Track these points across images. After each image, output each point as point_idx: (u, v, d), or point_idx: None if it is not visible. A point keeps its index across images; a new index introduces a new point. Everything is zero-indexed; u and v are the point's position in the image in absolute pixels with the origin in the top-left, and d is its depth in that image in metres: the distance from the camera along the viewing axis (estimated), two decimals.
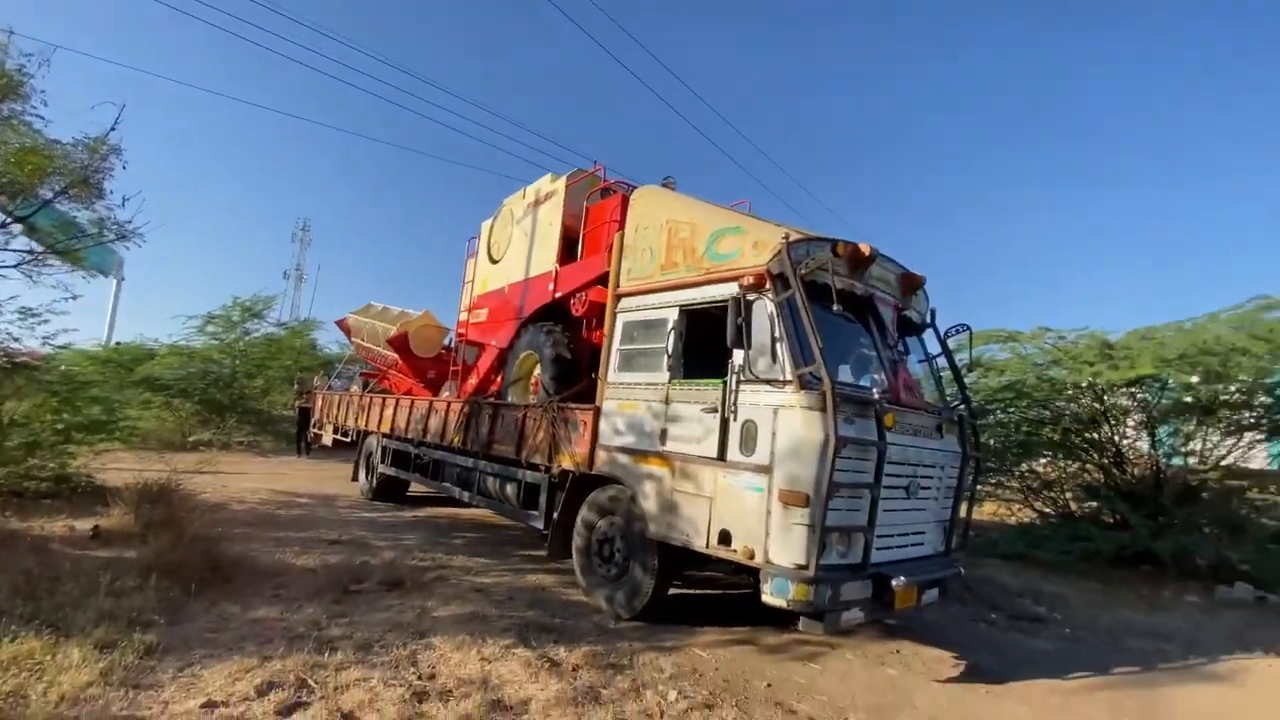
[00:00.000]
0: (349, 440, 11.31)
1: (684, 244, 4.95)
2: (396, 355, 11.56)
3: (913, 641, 5.05)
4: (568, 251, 6.91)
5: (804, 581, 3.69)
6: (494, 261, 8.43)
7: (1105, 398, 8.52)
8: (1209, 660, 5.13)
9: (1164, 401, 8.29)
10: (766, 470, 3.99)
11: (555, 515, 5.61)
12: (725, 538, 4.18)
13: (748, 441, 4.15)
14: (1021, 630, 5.64)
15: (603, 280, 6.17)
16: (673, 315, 4.91)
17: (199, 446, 15.63)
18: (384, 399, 9.84)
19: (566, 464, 5.54)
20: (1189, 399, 8.13)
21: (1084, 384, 8.30)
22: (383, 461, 9.64)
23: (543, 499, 5.87)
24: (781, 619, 4.29)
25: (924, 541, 4.63)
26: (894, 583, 3.94)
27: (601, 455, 5.22)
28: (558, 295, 6.73)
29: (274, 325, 21.99)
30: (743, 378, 4.25)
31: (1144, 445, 8.67)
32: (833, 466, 3.75)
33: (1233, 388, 7.72)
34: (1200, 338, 7.29)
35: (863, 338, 4.78)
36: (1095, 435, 8.85)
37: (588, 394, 6.19)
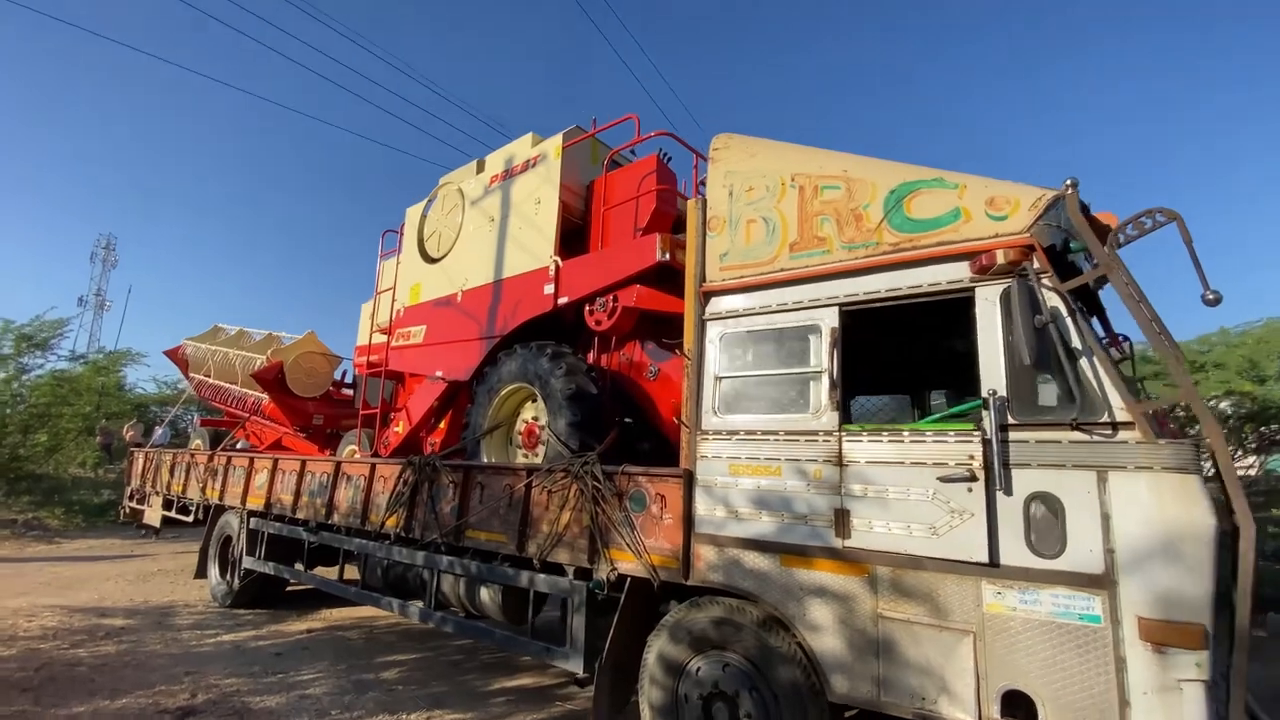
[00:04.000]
0: (191, 519, 7.94)
1: (836, 209, 3.14)
2: (263, 395, 8.47)
3: None
4: (566, 242, 4.82)
5: None
6: (431, 260, 6.03)
7: None
8: None
9: None
10: (1100, 584, 2.26)
11: (605, 649, 3.44)
12: (1018, 706, 2.35)
13: (1048, 532, 2.39)
14: None
15: (645, 276, 4.17)
16: (827, 319, 3.06)
17: None
18: (252, 460, 6.83)
19: (628, 565, 3.41)
20: None
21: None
22: (251, 552, 6.59)
23: (575, 622, 3.64)
24: None
25: None
26: None
27: (706, 553, 3.17)
28: (562, 301, 4.59)
29: (66, 359, 16.70)
30: (1013, 419, 2.51)
31: None
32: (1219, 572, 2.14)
33: None
34: None
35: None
36: None
37: (633, 451, 4.15)
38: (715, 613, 3.15)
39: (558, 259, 4.66)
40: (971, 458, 2.58)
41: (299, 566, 6.04)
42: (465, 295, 5.45)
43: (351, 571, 6.43)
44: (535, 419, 4.61)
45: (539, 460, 4.51)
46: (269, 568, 6.32)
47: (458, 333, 5.42)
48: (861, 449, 2.84)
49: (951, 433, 2.66)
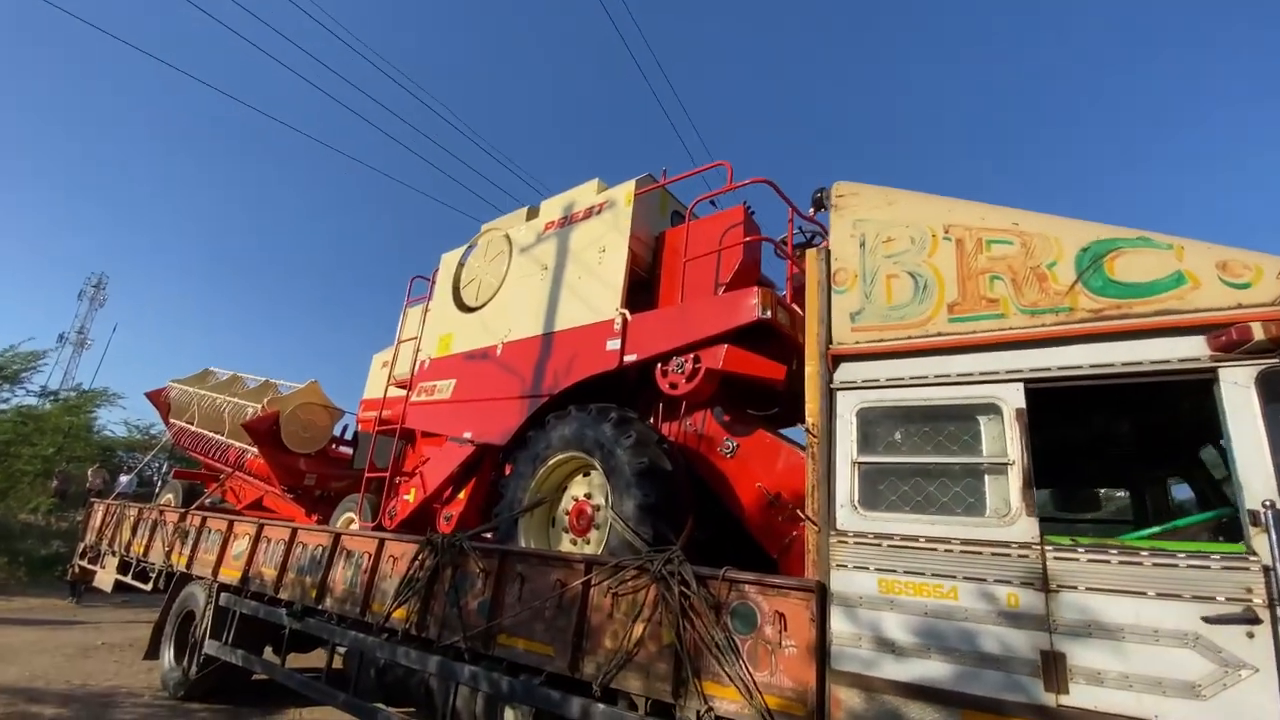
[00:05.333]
0: (150, 588, 6.88)
1: (1010, 267, 2.61)
2: (250, 448, 7.65)
3: None
4: (629, 297, 4.26)
5: None
6: (467, 309, 5.44)
7: None
8: None
9: None
10: None
11: None
12: None
13: None
14: None
15: (734, 336, 3.59)
16: (1008, 396, 2.45)
17: None
18: (232, 524, 5.93)
19: (731, 707, 2.60)
20: None
21: None
22: (218, 635, 5.56)
23: None
24: None
25: None
26: None
27: (849, 699, 2.39)
28: (629, 359, 3.97)
29: (36, 394, 15.64)
30: None
31: None
32: None
33: None
34: None
35: None
36: None
37: (690, 542, 3.46)
38: None
39: (625, 312, 4.07)
40: (1249, 591, 1.91)
41: (274, 658, 5.04)
42: (507, 348, 4.82)
43: (319, 658, 5.47)
44: (588, 497, 3.88)
45: (591, 549, 3.75)
46: (237, 657, 5.29)
47: (495, 389, 4.74)
48: (1078, 571, 2.15)
49: (1215, 555, 2.00)
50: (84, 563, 8.68)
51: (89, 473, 14.54)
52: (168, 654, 6.17)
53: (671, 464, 3.53)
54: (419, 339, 5.84)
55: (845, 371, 2.82)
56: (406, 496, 5.28)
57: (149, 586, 6.89)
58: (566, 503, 3.99)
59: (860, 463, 2.66)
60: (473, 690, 3.67)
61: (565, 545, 3.87)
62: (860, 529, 2.56)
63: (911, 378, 2.67)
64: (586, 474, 3.97)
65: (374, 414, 6.63)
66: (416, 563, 4.03)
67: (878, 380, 2.74)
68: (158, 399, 9.72)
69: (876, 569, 2.48)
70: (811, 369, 2.89)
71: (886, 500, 2.60)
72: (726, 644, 2.67)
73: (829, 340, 2.90)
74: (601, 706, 3.01)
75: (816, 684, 2.42)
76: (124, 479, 13.89)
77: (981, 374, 2.54)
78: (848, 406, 2.76)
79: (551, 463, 3.96)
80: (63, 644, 7.43)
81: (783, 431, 4.02)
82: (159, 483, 16.30)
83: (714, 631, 2.71)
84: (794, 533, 3.42)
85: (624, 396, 4.21)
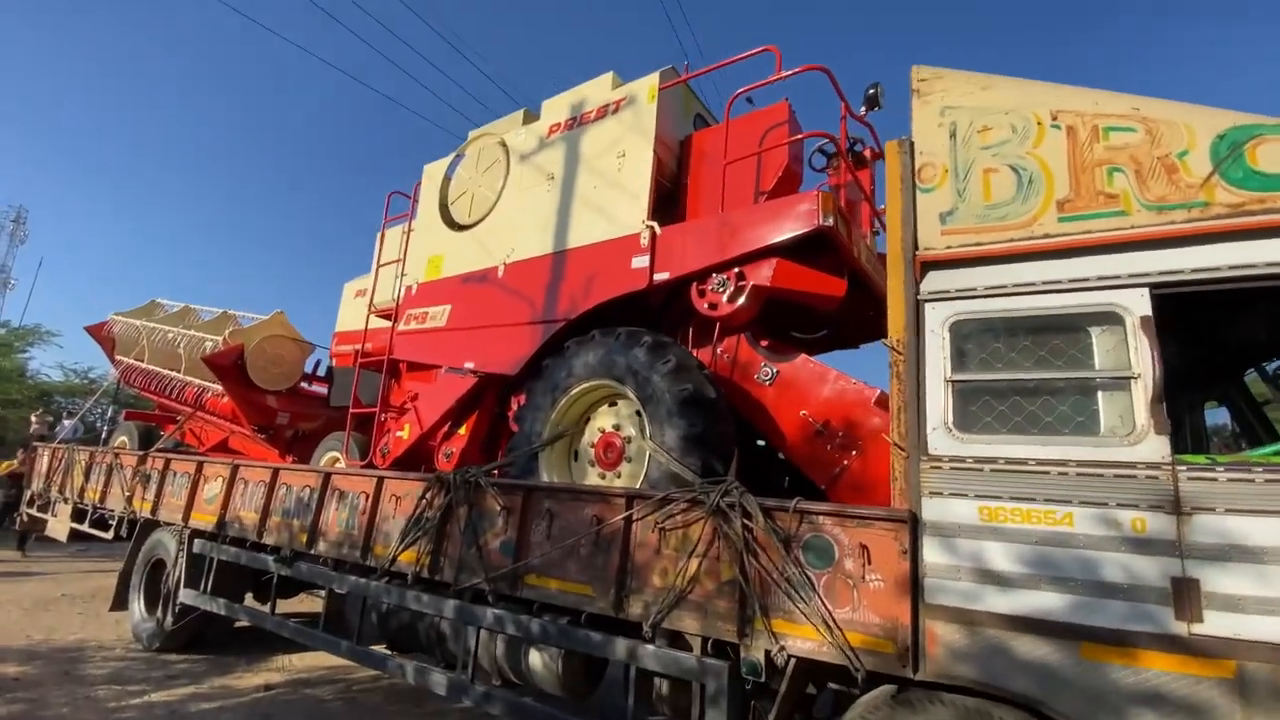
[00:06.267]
0: (111, 536, 6.36)
1: (1133, 158, 2.28)
2: (212, 385, 7.03)
3: None
4: (655, 211, 3.82)
5: None
6: (459, 227, 4.89)
7: None
8: None
9: None
10: None
11: None
12: None
13: None
14: None
15: (785, 248, 3.22)
16: (1133, 304, 2.18)
17: None
18: (201, 466, 5.42)
19: (806, 645, 2.39)
20: None
21: None
22: (194, 583, 5.16)
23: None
24: None
25: None
26: None
27: (947, 635, 2.18)
28: (659, 278, 3.57)
29: None
30: None
31: None
32: None
33: None
34: None
35: None
36: None
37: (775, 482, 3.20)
38: (942, 718, 2.19)
39: (653, 225, 3.64)
40: None
41: (264, 608, 4.69)
42: (510, 270, 4.34)
43: (312, 604, 5.17)
44: (616, 428, 3.55)
45: (622, 484, 3.45)
46: (218, 605, 4.92)
47: (500, 315, 4.29)
48: (1216, 491, 1.95)
49: None
50: (33, 511, 8.03)
51: (32, 419, 13.54)
52: (137, 605, 5.74)
53: (715, 392, 3.21)
54: (402, 262, 5.27)
55: (935, 280, 2.50)
56: (400, 433, 4.87)
57: (109, 535, 6.37)
58: (591, 435, 3.66)
59: (955, 381, 2.38)
60: (492, 634, 3.41)
61: (592, 479, 3.57)
62: (957, 453, 2.31)
63: (1014, 285, 2.37)
64: (613, 404, 3.63)
65: (350, 347, 6.12)
66: (424, 502, 3.67)
67: (974, 289, 2.43)
68: (99, 333, 8.84)
69: (977, 495, 2.24)
70: (895, 279, 2.56)
71: (980, 422, 2.34)
72: (800, 579, 2.44)
73: (915, 246, 2.56)
74: (651, 648, 2.78)
75: (911, 620, 2.21)
76: (67, 424, 12.96)
77: (1099, 279, 2.26)
78: (938, 320, 2.46)
79: (574, 393, 3.60)
80: (18, 597, 6.88)
81: (822, 358, 3.74)
82: (104, 429, 15.32)
83: (786, 566, 2.46)
84: (844, 462, 3.19)
85: (646, 322, 3.83)
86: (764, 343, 3.62)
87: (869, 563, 2.34)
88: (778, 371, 3.52)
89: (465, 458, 4.56)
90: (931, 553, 2.26)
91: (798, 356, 3.50)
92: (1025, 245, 2.37)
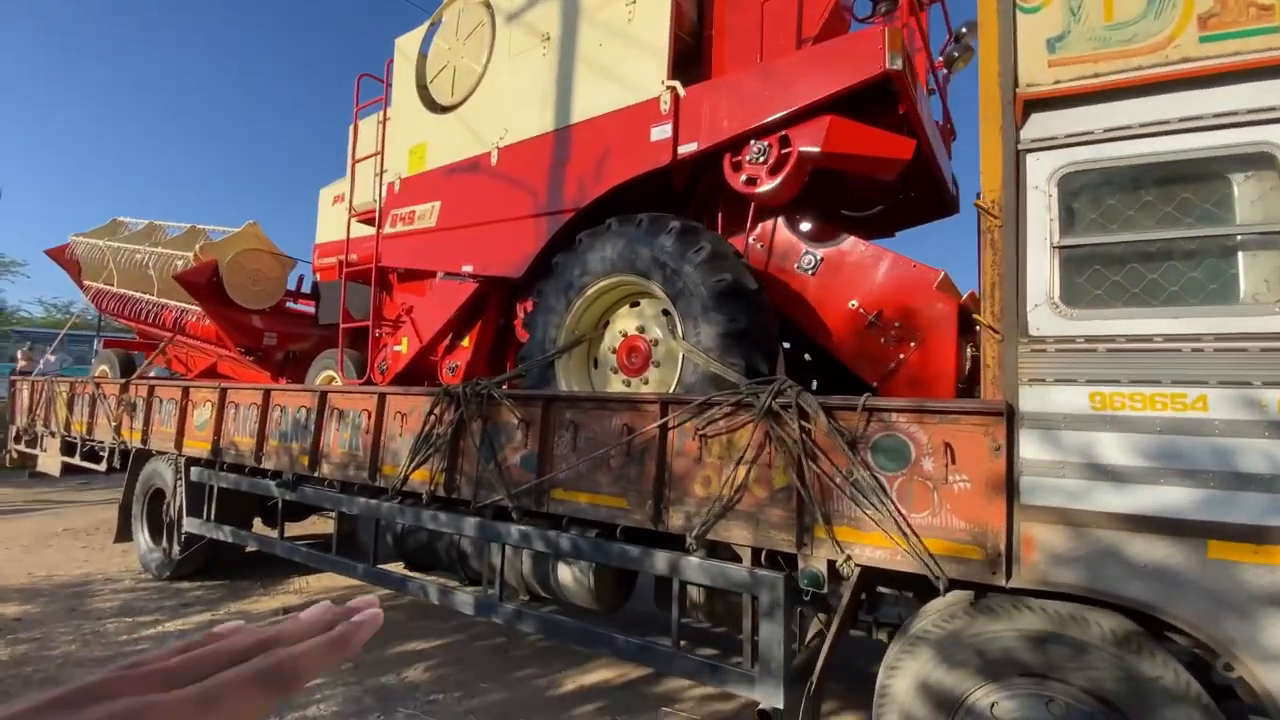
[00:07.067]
0: (105, 468, 6.11)
1: None
2: (191, 306, 6.56)
3: None
4: (679, 66, 3.23)
5: None
6: (441, 109, 4.27)
7: None
8: None
9: None
10: None
11: (816, 673, 2.25)
12: None
13: None
14: None
15: (839, 102, 2.71)
16: None
17: None
18: (187, 391, 5.06)
19: (878, 554, 2.14)
20: None
21: None
22: (195, 512, 4.95)
23: (767, 633, 2.37)
24: None
25: None
26: None
27: (1047, 538, 1.92)
28: (686, 150, 3.06)
29: None
30: None
31: None
32: None
33: None
34: None
35: None
36: None
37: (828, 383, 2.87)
38: (1032, 624, 1.96)
39: (675, 84, 3.08)
40: None
41: (273, 533, 4.50)
42: (505, 154, 3.79)
43: (324, 525, 5.00)
44: (640, 330, 3.17)
45: (650, 389, 3.12)
46: (225, 533, 4.72)
47: (497, 209, 3.79)
48: None
49: None
50: (20, 446, 7.77)
51: (19, 354, 13.19)
52: (142, 535, 5.58)
53: (756, 283, 2.81)
54: (380, 156, 4.67)
55: (1040, 125, 2.04)
56: (398, 348, 4.48)
57: (103, 467, 6.12)
58: (612, 340, 3.28)
59: (1064, 247, 1.98)
60: (517, 550, 3.20)
61: (616, 387, 3.23)
62: (1064, 332, 1.95)
63: (1140, 125, 1.92)
64: (635, 304, 3.23)
65: (334, 259, 5.62)
66: (434, 417, 3.35)
67: (1091, 133, 1.97)
68: (61, 258, 8.22)
69: (1088, 380, 1.90)
70: (989, 126, 2.09)
71: (1090, 295, 1.97)
72: (870, 484, 2.15)
73: (1015, 83, 2.07)
74: (694, 560, 2.54)
75: (1006, 524, 1.93)
76: (51, 358, 12.52)
77: (1249, 112, 1.81)
78: (1043, 173, 2.02)
79: (590, 292, 3.18)
80: (16, 535, 6.73)
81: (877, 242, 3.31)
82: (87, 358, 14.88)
83: (853, 470, 2.17)
84: (901, 356, 2.85)
85: (669, 207, 3.35)
86: (805, 226, 3.18)
87: (953, 462, 2.05)
88: (822, 258, 3.10)
89: (471, 371, 4.21)
90: (1030, 448, 1.95)
91: (845, 239, 3.08)
92: (1158, 73, 1.90)
